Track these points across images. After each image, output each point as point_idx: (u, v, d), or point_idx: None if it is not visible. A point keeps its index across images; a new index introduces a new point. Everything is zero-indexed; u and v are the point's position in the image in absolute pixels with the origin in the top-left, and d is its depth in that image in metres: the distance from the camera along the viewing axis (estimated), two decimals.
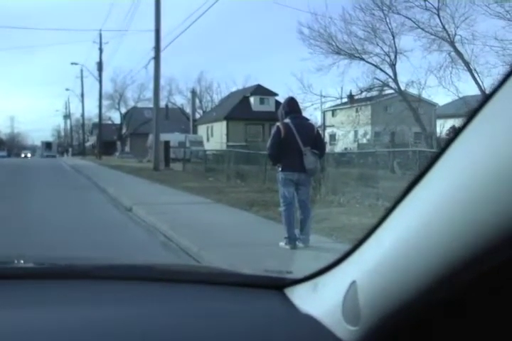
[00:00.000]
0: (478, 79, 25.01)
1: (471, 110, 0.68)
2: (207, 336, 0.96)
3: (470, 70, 25.08)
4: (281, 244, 6.32)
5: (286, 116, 6.41)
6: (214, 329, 0.99)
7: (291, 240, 6.27)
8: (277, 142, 6.31)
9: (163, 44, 26.15)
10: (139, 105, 61.60)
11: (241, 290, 1.23)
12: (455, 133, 0.70)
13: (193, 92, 56.05)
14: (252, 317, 1.05)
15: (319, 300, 1.01)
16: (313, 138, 6.41)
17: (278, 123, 6.42)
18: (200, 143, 40.22)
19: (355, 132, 37.51)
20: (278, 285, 1.19)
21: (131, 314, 1.06)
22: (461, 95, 27.24)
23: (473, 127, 0.67)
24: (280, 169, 6.38)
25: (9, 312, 1.06)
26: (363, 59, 28.29)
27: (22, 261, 1.52)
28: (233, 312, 1.08)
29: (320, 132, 6.88)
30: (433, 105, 37.64)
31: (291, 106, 6.58)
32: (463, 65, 25.38)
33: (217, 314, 1.06)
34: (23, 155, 78.62)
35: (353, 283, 0.88)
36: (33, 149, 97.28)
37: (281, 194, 6.44)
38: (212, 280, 1.28)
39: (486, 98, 0.66)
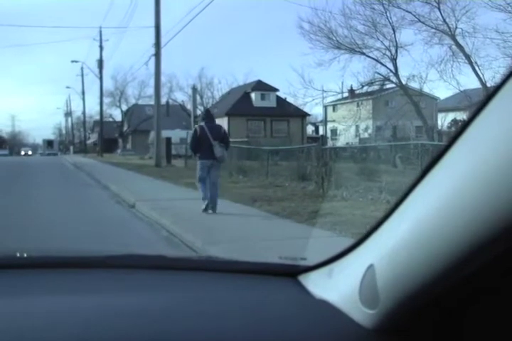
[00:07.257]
0: (479, 72, 25.04)
1: (476, 102, 0.69)
2: (221, 324, 0.95)
3: (471, 63, 25.05)
4: (202, 206, 8.91)
5: (202, 121, 9.33)
6: (228, 317, 0.98)
7: (204, 200, 8.94)
8: (195, 138, 9.03)
9: (163, 40, 26.20)
10: (140, 102, 61.54)
11: (254, 277, 1.22)
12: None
13: (194, 89, 55.71)
14: (266, 305, 1.04)
15: (335, 285, 1.00)
16: (220, 135, 9.11)
17: (196, 126, 9.45)
18: None
19: (357, 127, 37.46)
20: (291, 273, 1.19)
21: (154, 301, 1.06)
22: (462, 88, 27.27)
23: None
24: (198, 158, 9.06)
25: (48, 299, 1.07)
26: (363, 53, 28.26)
27: (27, 254, 1.52)
28: (246, 299, 1.07)
29: (226, 131, 9.68)
30: (434, 99, 37.62)
31: (207, 115, 9.67)
32: (464, 58, 25.37)
33: (229, 302, 1.05)
34: (23, 153, 77.95)
35: (371, 266, 0.87)
36: (34, 147, 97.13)
37: (198, 175, 9.10)
38: (227, 269, 1.27)
39: (492, 93, 0.66)
